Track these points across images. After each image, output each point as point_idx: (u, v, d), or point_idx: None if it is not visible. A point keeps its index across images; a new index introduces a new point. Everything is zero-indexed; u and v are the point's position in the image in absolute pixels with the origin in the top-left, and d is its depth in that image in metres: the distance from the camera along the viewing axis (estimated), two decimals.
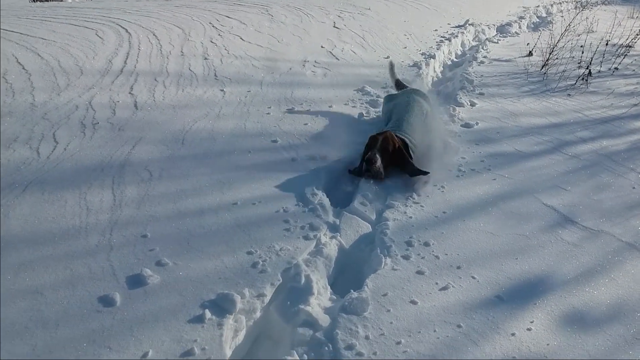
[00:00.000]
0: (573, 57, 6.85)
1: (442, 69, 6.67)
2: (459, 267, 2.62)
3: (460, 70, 6.33)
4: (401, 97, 4.26)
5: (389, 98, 4.38)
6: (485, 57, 7.03)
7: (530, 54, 7.25)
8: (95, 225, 2.72)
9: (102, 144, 3.59)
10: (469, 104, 5.08)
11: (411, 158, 3.57)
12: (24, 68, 4.73)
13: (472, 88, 5.58)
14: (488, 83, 5.83)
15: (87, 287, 2.30)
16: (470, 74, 6.07)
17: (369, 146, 3.54)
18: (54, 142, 3.53)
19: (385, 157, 3.45)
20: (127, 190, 3.07)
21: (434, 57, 6.59)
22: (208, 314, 2.20)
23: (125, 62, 5.19)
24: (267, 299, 2.35)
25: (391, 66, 5.04)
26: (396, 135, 3.64)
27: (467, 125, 4.50)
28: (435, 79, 6.24)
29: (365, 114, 4.52)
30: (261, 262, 2.54)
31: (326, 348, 2.11)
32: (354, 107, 4.71)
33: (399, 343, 2.13)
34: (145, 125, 3.92)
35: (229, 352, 2.06)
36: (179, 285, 2.36)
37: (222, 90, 4.77)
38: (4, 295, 2.20)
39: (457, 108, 4.89)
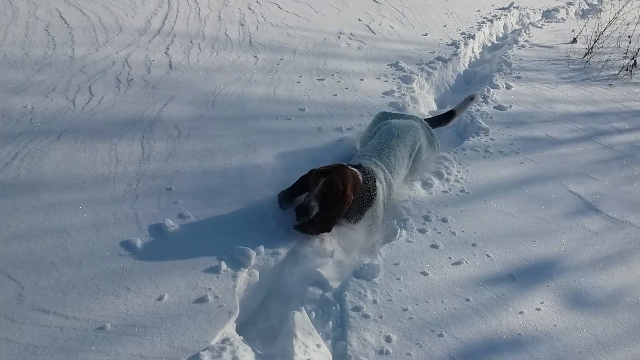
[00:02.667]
0: (619, 47, 6.59)
1: (480, 50, 6.52)
2: (474, 245, 2.63)
3: (499, 53, 6.18)
4: (399, 118, 3.42)
5: (383, 116, 3.51)
6: (526, 41, 6.83)
7: (574, 40, 7.01)
8: (123, 175, 2.82)
9: (135, 99, 3.68)
10: (505, 86, 4.98)
11: (367, 203, 2.72)
12: (66, 22, 4.84)
13: (509, 71, 5.46)
14: (526, 67, 5.69)
15: (111, 231, 2.40)
16: (509, 57, 5.93)
17: (304, 184, 2.70)
18: (89, 94, 3.64)
19: (324, 206, 2.57)
20: (156, 145, 3.16)
21: (473, 37, 6.44)
22: (224, 265, 2.27)
23: (163, 23, 5.26)
24: (281, 258, 2.41)
25: (470, 99, 3.78)
26: (358, 167, 2.79)
27: (500, 108, 4.43)
28: (472, 59, 6.11)
29: (396, 90, 4.49)
30: (279, 223, 2.59)
31: (334, 307, 2.16)
32: (385, 81, 4.68)
33: (405, 310, 2.17)
34: (177, 85, 3.99)
35: (240, 303, 2.13)
36: (198, 237, 2.45)
37: (255, 57, 4.80)
38: (35, 231, 2.32)
39: (491, 90, 4.80)
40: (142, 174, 2.86)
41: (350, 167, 2.71)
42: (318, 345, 1.97)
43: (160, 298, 2.08)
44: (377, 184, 2.78)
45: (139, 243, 2.34)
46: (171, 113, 3.56)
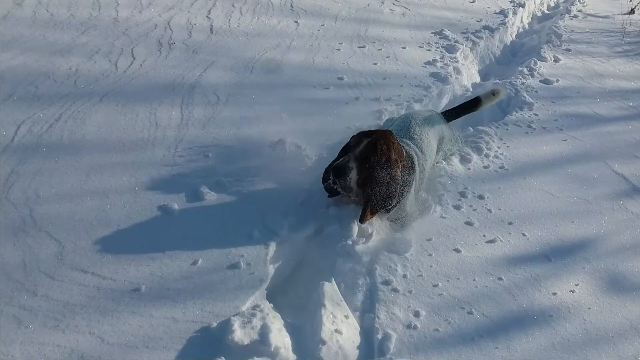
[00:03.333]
0: None
1: (530, 20, 6.23)
2: (510, 223, 2.57)
3: (549, 23, 5.89)
4: (419, 111, 3.21)
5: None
6: (580, 10, 6.48)
7: (632, 11, 6.60)
8: (162, 140, 2.87)
9: (176, 64, 3.70)
10: (553, 59, 4.76)
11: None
12: None
13: (559, 43, 5.21)
14: (577, 39, 5.41)
15: (149, 195, 2.46)
16: (560, 28, 5.64)
17: (346, 148, 2.46)
18: (131, 57, 3.68)
19: (365, 171, 2.33)
20: (195, 111, 3.19)
21: (523, 5, 6.15)
22: (256, 234, 2.30)
23: None
24: (313, 229, 2.42)
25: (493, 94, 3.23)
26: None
27: (546, 82, 4.25)
28: (520, 29, 5.85)
29: (439, 59, 4.35)
30: (313, 194, 2.60)
31: (363, 280, 2.17)
32: (428, 50, 4.54)
33: (435, 286, 2.15)
34: (218, 50, 3.99)
35: (271, 271, 2.16)
36: (232, 205, 2.48)
37: (296, 22, 4.73)
38: (76, 192, 2.41)
39: (538, 62, 4.60)
40: (180, 139, 2.90)
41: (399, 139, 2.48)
42: (346, 316, 1.99)
43: (194, 263, 2.13)
44: (416, 165, 2.52)
45: (175, 208, 2.39)
46: (210, 79, 3.57)
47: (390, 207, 2.43)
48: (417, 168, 2.54)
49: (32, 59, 3.46)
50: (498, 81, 4.23)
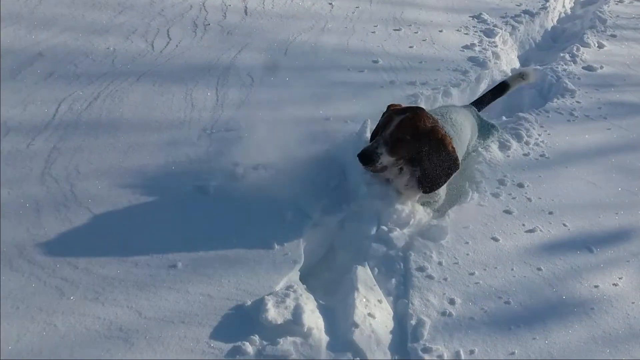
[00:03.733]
0: None
1: (572, 4, 5.99)
2: (550, 213, 2.49)
3: (593, 8, 5.66)
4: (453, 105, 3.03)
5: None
6: None
7: None
8: (198, 121, 2.88)
9: (211, 45, 3.70)
10: (597, 45, 4.58)
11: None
12: None
13: (603, 28, 5.00)
14: (623, 25, 5.19)
15: (186, 174, 2.47)
16: (605, 13, 5.42)
17: (378, 128, 2.32)
18: (167, 38, 3.70)
19: (401, 152, 2.19)
20: (230, 92, 3.19)
21: None
22: (290, 216, 2.29)
23: None
24: (347, 212, 2.40)
25: (521, 76, 3.14)
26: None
27: (589, 68, 4.09)
28: (562, 15, 5.64)
29: (477, 43, 4.24)
30: (346, 177, 2.58)
31: (398, 266, 2.14)
32: (466, 34, 4.43)
33: (472, 274, 2.11)
34: (252, 31, 3.98)
35: (304, 253, 2.15)
36: (267, 186, 2.47)
37: (330, 4, 4.67)
38: (114, 169, 2.44)
39: (581, 48, 4.43)
40: (215, 120, 2.90)
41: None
42: (379, 301, 1.97)
43: (229, 242, 2.14)
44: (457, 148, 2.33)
45: (211, 188, 2.40)
46: (245, 60, 3.56)
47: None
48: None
49: (72, 38, 3.51)
50: (538, 67, 4.10)
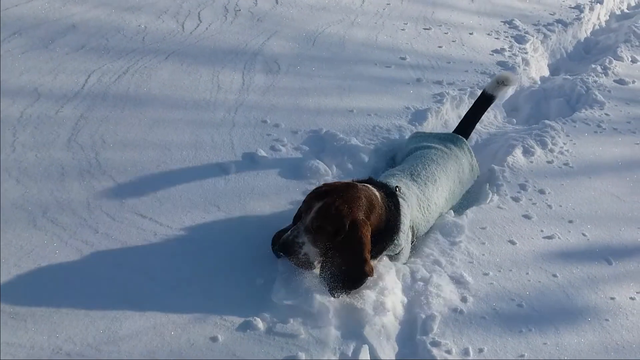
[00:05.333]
0: None
1: (607, 17, 5.90)
2: (570, 222, 2.46)
3: (628, 22, 5.56)
4: (432, 141, 2.57)
5: (418, 138, 2.67)
6: None
7: None
8: (223, 102, 2.90)
9: (240, 30, 3.72)
10: (630, 59, 4.50)
11: (390, 240, 2.02)
12: None
13: (638, 43, 4.91)
14: None
15: (208, 153, 2.50)
16: None
17: (300, 211, 1.98)
18: (198, 20, 3.73)
19: (323, 242, 1.87)
20: (256, 77, 3.21)
21: (601, 2, 5.83)
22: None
23: None
24: None
25: (499, 81, 2.71)
26: (381, 186, 2.08)
27: (621, 82, 4.03)
28: (596, 27, 5.56)
29: (507, 49, 4.20)
30: (364, 166, 2.59)
31: (411, 258, 2.13)
32: (496, 38, 4.39)
33: (486, 274, 2.10)
34: (282, 20, 3.99)
35: None
36: (285, 170, 2.50)
37: None
38: (139, 142, 2.47)
39: (614, 61, 4.36)
40: (240, 103, 2.92)
41: (364, 186, 1.98)
42: (392, 291, 1.96)
43: (246, 220, 2.16)
44: (400, 199, 2.06)
45: (232, 168, 2.42)
46: (273, 48, 3.57)
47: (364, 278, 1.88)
48: (407, 213, 2.08)
49: (105, 13, 3.55)
50: (568, 77, 4.04)
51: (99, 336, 1.62)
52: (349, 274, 1.84)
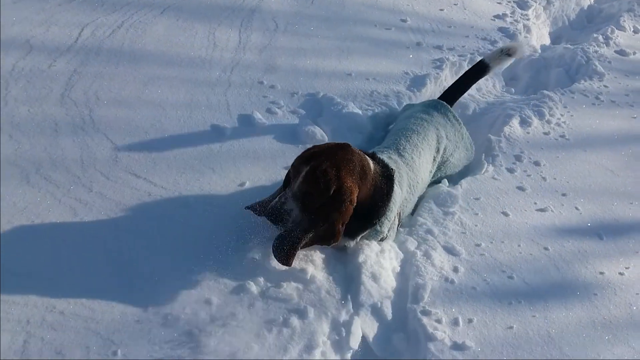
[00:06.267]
0: None
1: None
2: (564, 195, 2.48)
3: None
4: (416, 109, 2.49)
5: (405, 111, 2.59)
6: None
7: None
8: (219, 61, 2.84)
9: None
10: (632, 29, 4.43)
11: (382, 204, 1.93)
12: None
13: None
14: None
15: (203, 113, 2.46)
16: None
17: (288, 176, 1.93)
18: None
19: (312, 208, 1.79)
20: (253, 35, 3.13)
21: None
22: None
23: None
24: None
25: (506, 52, 2.61)
26: (371, 156, 1.99)
27: (621, 53, 3.98)
28: None
29: (509, 14, 4.11)
30: (361, 134, 2.56)
31: (405, 228, 2.15)
32: (499, 3, 4.27)
33: (478, 245, 2.12)
34: None
35: None
36: (281, 133, 2.47)
37: None
38: (133, 100, 2.43)
39: (616, 31, 4.29)
40: (236, 62, 2.86)
41: (356, 149, 1.90)
42: (387, 259, 1.98)
43: (242, 184, 2.15)
44: (395, 186, 1.97)
45: (227, 129, 2.39)
46: (271, 5, 3.48)
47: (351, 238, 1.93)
48: (401, 188, 2.02)
49: None
50: (569, 45, 3.99)
51: (92, 295, 1.62)
52: (314, 239, 1.77)
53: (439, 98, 2.61)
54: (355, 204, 1.80)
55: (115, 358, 1.48)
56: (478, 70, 2.67)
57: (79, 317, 1.56)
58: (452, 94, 2.64)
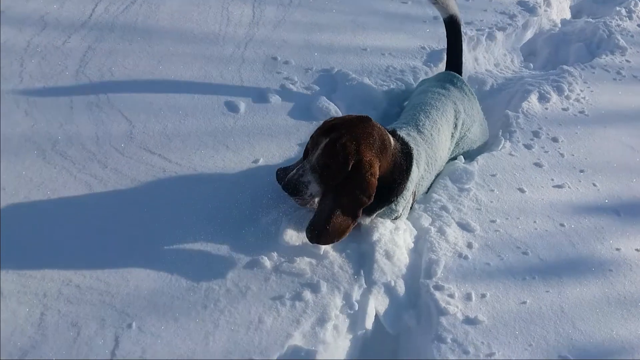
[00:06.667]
0: None
1: None
2: (582, 171, 2.43)
3: None
4: (431, 83, 2.46)
5: (421, 86, 2.56)
6: None
7: None
8: (232, 37, 2.82)
9: None
10: None
11: (396, 185, 1.88)
12: None
13: None
14: None
15: (217, 89, 2.46)
16: None
17: (307, 148, 1.88)
18: None
19: (330, 181, 1.77)
20: (266, 10, 3.10)
21: None
22: None
23: None
24: None
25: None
26: (392, 132, 1.95)
27: None
28: None
29: None
30: (377, 107, 2.55)
31: (419, 204, 2.14)
32: None
33: (493, 221, 2.10)
34: None
35: None
36: (296, 109, 2.45)
37: None
38: (147, 76, 2.43)
39: (639, 4, 4.16)
40: (250, 38, 2.83)
41: (377, 123, 1.84)
42: (400, 232, 1.98)
43: (256, 161, 2.15)
44: (414, 164, 1.94)
45: (241, 106, 2.38)
46: None
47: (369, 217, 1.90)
48: (418, 167, 2.00)
49: None
50: (590, 19, 3.87)
51: (107, 270, 1.65)
52: (338, 219, 1.72)
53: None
54: (377, 177, 1.76)
55: (130, 330, 1.51)
56: (451, 28, 2.54)
57: (94, 291, 1.59)
58: (454, 62, 2.56)
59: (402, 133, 2.02)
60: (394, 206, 1.94)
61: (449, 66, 2.59)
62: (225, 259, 1.75)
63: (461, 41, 2.60)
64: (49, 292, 1.56)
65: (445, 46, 2.65)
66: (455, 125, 2.29)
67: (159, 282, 1.64)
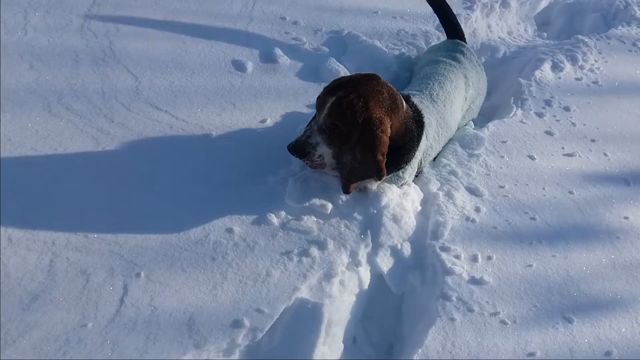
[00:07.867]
0: None
1: None
2: (593, 140, 2.40)
3: None
4: (441, 53, 2.37)
5: (429, 53, 2.50)
6: None
7: None
8: None
9: None
10: None
11: (409, 150, 1.85)
12: None
13: None
14: None
15: (224, 48, 2.41)
16: None
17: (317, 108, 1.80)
18: None
19: (338, 141, 1.74)
20: None
21: None
22: None
23: None
24: None
25: None
26: (407, 98, 1.92)
27: None
28: None
29: None
30: (388, 69, 2.51)
31: (428, 168, 2.11)
32: None
33: (502, 187, 2.08)
34: None
35: None
36: (304, 70, 2.42)
37: None
38: (153, 33, 2.39)
39: None
40: None
41: (386, 82, 1.79)
42: (408, 196, 1.96)
43: (263, 121, 2.12)
44: (418, 148, 1.89)
45: (249, 65, 2.35)
46: None
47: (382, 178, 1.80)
48: (427, 136, 1.95)
49: None
50: None
51: (115, 221, 1.65)
52: (360, 174, 1.73)
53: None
54: (389, 135, 1.71)
55: (139, 279, 1.51)
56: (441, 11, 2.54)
57: (102, 240, 1.59)
58: (453, 29, 2.50)
59: (415, 100, 1.98)
60: (401, 173, 1.91)
61: (450, 33, 2.51)
62: (233, 215, 1.74)
63: (447, 6, 2.54)
64: (57, 241, 1.56)
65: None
66: (465, 98, 2.27)
67: (167, 235, 1.64)
